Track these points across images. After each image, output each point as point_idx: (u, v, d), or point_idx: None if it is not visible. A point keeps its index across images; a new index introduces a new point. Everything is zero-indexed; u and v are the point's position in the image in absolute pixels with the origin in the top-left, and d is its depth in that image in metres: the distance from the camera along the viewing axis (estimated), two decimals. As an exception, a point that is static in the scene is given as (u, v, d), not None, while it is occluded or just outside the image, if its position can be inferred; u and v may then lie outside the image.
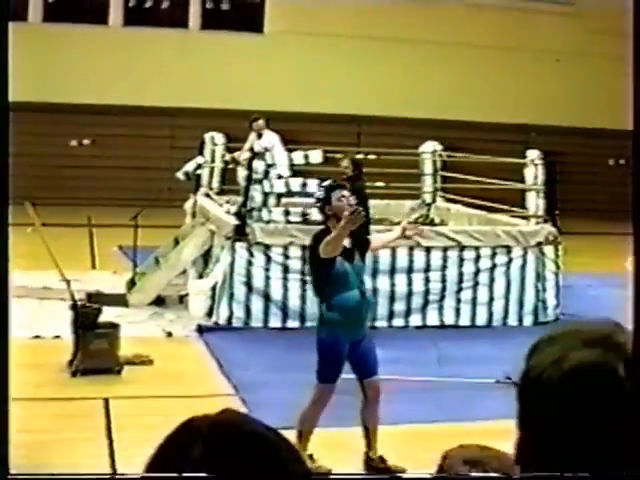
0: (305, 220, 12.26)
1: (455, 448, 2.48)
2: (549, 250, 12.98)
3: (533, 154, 13.60)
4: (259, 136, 14.61)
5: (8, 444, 1.45)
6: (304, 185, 12.47)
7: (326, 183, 8.28)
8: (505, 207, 14.05)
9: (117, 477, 1.37)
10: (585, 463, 1.36)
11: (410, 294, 12.40)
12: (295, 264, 12.07)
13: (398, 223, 14.35)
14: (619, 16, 26.21)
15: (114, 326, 10.20)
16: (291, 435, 8.06)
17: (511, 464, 1.69)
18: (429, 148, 16.19)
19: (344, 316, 7.33)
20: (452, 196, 15.85)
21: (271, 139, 14.20)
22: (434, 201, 15.95)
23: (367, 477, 7.33)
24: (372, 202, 12.63)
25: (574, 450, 1.37)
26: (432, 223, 14.57)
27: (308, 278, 12.11)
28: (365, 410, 7.55)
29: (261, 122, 15.16)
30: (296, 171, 12.85)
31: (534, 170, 13.36)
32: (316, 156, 12.69)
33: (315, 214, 12.46)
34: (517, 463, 1.48)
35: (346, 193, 7.76)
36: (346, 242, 7.39)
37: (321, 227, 7.83)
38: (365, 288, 7.78)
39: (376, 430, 7.57)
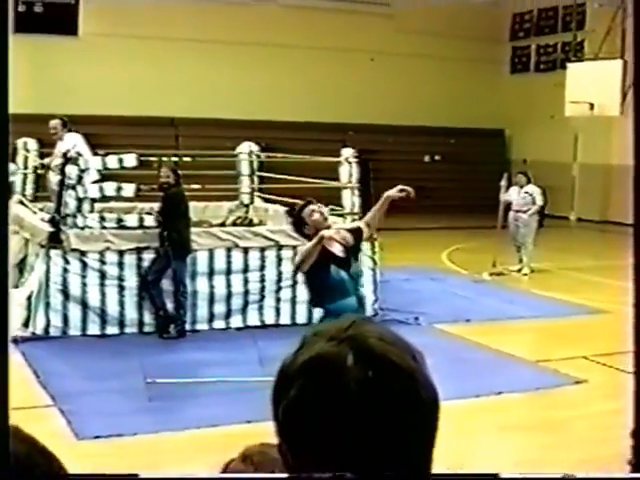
0: (120, 225, 12.13)
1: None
2: (366, 247, 13.18)
3: (347, 152, 13.81)
4: (58, 138, 14.06)
5: (9, 445, 1.43)
6: (119, 189, 12.35)
7: (289, 207, 8.36)
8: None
9: (114, 476, 1.35)
10: (321, 453, 1.41)
11: (230, 295, 12.42)
12: (112, 270, 11.92)
13: (221, 224, 14.42)
14: (426, 15, 26.98)
15: None
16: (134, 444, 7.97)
17: (274, 458, 1.74)
18: (245, 149, 16.25)
19: None
20: (270, 196, 15.94)
21: (74, 140, 13.76)
22: (252, 202, 16.03)
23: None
24: (191, 204, 12.64)
25: (309, 439, 1.42)
26: (250, 224, 14.62)
27: (126, 284, 12.02)
28: None
29: (52, 122, 14.33)
30: (110, 175, 12.66)
31: (349, 168, 13.58)
32: (130, 160, 12.56)
33: (131, 220, 12.38)
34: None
35: (313, 206, 7.85)
36: (339, 251, 7.50)
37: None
38: (362, 293, 8.02)
39: None
